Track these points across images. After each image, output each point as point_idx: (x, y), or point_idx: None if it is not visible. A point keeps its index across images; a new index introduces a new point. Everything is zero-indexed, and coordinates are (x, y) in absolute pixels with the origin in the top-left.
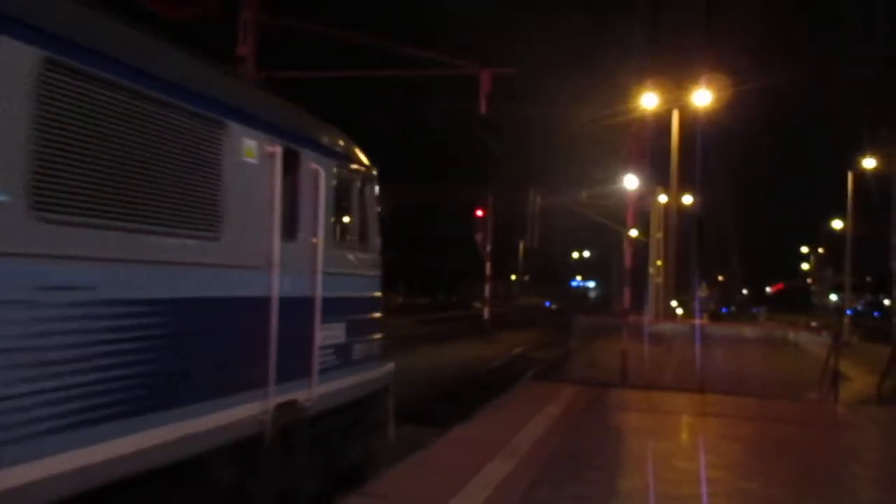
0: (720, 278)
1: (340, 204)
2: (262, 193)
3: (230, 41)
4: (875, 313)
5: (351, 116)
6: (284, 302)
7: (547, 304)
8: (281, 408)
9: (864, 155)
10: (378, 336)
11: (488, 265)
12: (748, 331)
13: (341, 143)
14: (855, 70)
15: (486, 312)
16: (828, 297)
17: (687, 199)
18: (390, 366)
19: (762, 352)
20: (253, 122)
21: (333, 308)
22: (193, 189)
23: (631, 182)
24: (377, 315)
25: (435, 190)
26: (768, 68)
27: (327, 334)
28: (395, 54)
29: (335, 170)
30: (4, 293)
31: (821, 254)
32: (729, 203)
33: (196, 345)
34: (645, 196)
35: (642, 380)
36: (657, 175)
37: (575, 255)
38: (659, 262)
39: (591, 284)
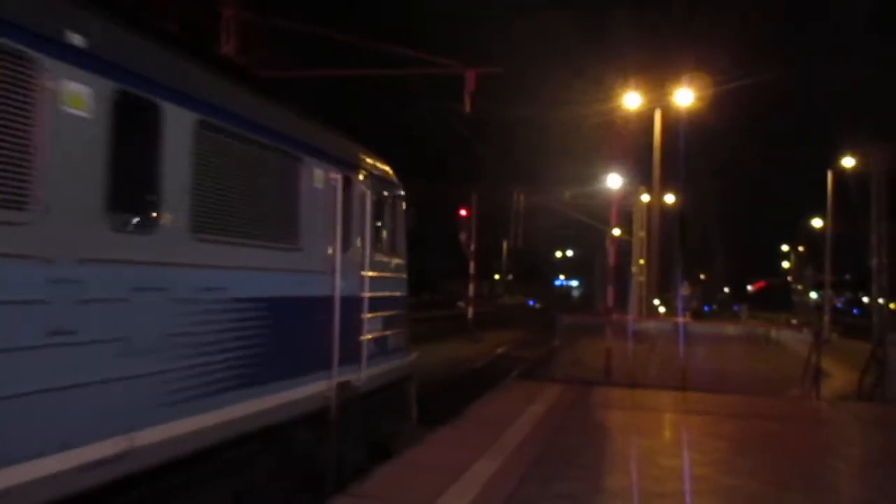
0: (702, 276)
1: (379, 218)
2: (328, 212)
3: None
4: (854, 311)
5: (335, 115)
6: (343, 300)
7: (530, 303)
8: (341, 386)
9: (843, 154)
10: (405, 329)
11: (472, 264)
12: (730, 329)
13: (379, 167)
14: (836, 71)
15: (469, 312)
16: (808, 294)
17: (669, 199)
18: (414, 356)
19: (744, 349)
20: (322, 156)
21: (375, 305)
22: (284, 211)
23: (614, 181)
24: (404, 311)
25: (419, 189)
26: (750, 68)
27: (371, 327)
28: (379, 53)
29: (376, 190)
30: (183, 293)
31: (801, 252)
32: (711, 202)
33: (288, 332)
34: (628, 195)
35: (626, 378)
36: (640, 174)
37: (558, 254)
38: (642, 261)
39: (575, 283)
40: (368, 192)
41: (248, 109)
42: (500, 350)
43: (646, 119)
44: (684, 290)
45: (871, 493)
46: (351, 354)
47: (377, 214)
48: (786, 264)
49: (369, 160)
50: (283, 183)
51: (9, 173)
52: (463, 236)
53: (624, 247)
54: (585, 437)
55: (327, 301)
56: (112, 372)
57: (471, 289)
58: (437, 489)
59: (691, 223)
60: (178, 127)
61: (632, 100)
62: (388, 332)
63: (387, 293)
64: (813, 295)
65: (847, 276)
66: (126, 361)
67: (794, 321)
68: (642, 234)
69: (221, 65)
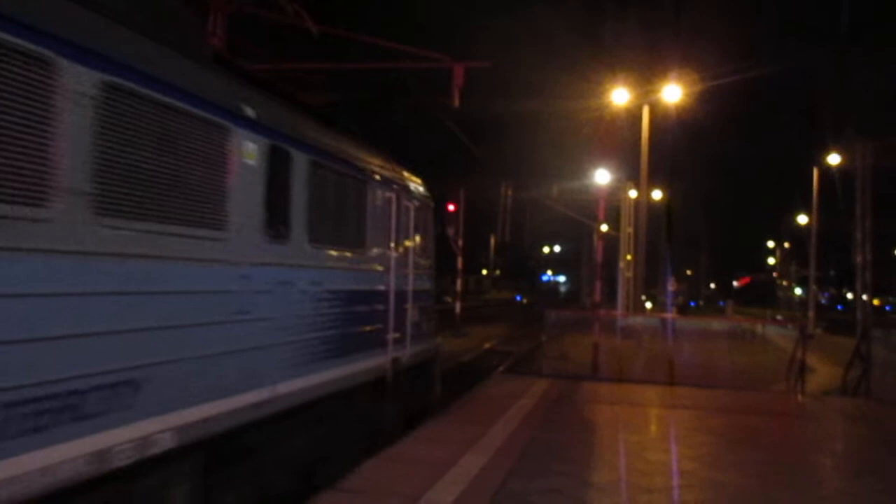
0: (688, 272)
1: (416, 225)
2: (386, 223)
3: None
4: (839, 306)
5: (323, 109)
6: (396, 293)
7: (517, 298)
8: (393, 360)
9: (829, 151)
10: (433, 318)
11: (459, 259)
12: (716, 324)
13: (417, 183)
14: (821, 67)
15: (457, 307)
16: (793, 290)
17: (657, 195)
18: (439, 340)
19: (730, 344)
20: (383, 179)
21: (416, 297)
22: (358, 223)
23: (602, 177)
24: (433, 304)
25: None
26: (738, 65)
27: (412, 314)
28: (368, 47)
29: (415, 203)
30: (301, 286)
31: (786, 248)
32: (697, 198)
33: (361, 317)
34: (616, 191)
35: (613, 373)
36: (629, 170)
37: (545, 249)
38: (629, 257)
39: (562, 279)
40: (411, 206)
41: (338, 150)
42: (487, 345)
43: (635, 115)
44: (671, 285)
45: (855, 487)
46: (400, 336)
47: (415, 222)
48: (771, 260)
49: (410, 179)
50: (358, 202)
51: (217, 206)
52: (450, 231)
53: (611, 242)
54: (573, 432)
55: (386, 293)
56: (266, 341)
57: (458, 283)
58: (424, 484)
59: (678, 219)
60: (300, 167)
61: (620, 96)
62: (422, 320)
63: (423, 287)
64: (797, 290)
65: (831, 272)
66: (273, 334)
67: (779, 317)
68: (629, 229)
69: (325, 117)
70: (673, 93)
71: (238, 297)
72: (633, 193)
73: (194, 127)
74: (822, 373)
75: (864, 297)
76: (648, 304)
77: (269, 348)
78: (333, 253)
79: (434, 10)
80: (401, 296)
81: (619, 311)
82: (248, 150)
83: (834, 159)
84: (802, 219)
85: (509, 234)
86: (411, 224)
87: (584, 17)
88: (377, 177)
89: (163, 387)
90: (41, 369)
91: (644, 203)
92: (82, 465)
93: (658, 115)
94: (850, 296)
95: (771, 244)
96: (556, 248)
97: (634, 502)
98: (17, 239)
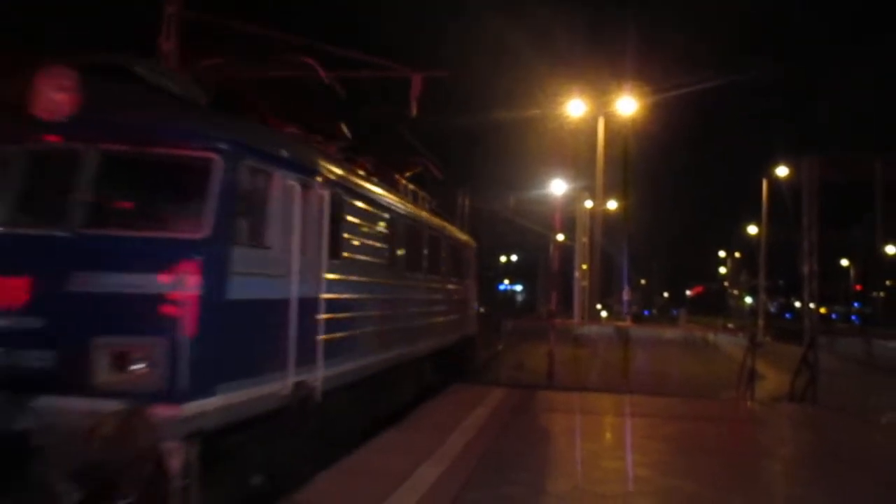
0: (642, 282)
1: (472, 263)
2: (464, 263)
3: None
4: (787, 315)
5: (280, 115)
6: (470, 300)
7: (474, 307)
8: (463, 333)
9: (777, 163)
10: (476, 315)
11: None
12: (669, 332)
13: (471, 237)
14: (770, 83)
15: None
16: (743, 299)
17: (612, 205)
18: (476, 327)
19: (683, 352)
20: (463, 244)
21: (473, 302)
22: (458, 265)
23: (558, 187)
24: (476, 305)
25: None
26: (691, 77)
27: (471, 311)
28: (325, 55)
29: (472, 250)
30: (448, 296)
31: (737, 258)
32: (651, 208)
33: (463, 310)
34: (573, 201)
35: (569, 381)
36: (584, 180)
37: (503, 258)
38: (584, 266)
39: (518, 288)
40: (470, 252)
41: (458, 237)
42: None
43: (592, 126)
44: (626, 294)
45: (802, 491)
46: (469, 322)
47: (472, 262)
48: (723, 270)
49: (471, 237)
50: (459, 255)
51: (446, 266)
52: None
53: (568, 253)
54: (529, 441)
55: (468, 300)
56: (441, 319)
57: None
58: (379, 495)
59: (632, 229)
60: (448, 246)
61: (576, 107)
62: (474, 315)
63: (475, 297)
64: (748, 300)
65: (780, 282)
66: (442, 315)
67: (730, 325)
68: (585, 239)
69: (439, 213)
70: (627, 105)
71: (435, 302)
72: (588, 204)
73: (454, 245)
74: (771, 380)
75: (811, 306)
76: (604, 313)
77: (444, 322)
78: (454, 280)
79: (393, 23)
80: (471, 301)
81: (576, 319)
82: (455, 245)
83: (782, 172)
84: (753, 229)
85: None
86: (470, 261)
87: (544, 31)
88: (461, 241)
89: (428, 331)
90: (426, 318)
91: (599, 213)
92: (413, 352)
93: (614, 126)
94: (797, 305)
95: (722, 254)
96: (514, 258)
97: None
98: (428, 282)
